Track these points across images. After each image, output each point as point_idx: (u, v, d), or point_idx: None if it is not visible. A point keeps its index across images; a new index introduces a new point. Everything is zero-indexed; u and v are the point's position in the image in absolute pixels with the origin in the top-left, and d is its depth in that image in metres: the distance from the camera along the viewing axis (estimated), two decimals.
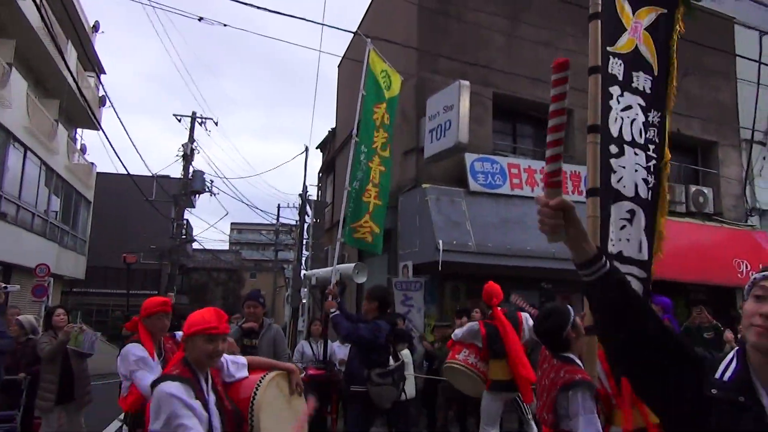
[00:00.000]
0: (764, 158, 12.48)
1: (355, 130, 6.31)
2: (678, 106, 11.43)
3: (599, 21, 2.95)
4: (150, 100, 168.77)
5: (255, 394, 2.66)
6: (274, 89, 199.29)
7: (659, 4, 3.26)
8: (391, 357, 4.86)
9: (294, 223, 28.67)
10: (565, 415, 3.05)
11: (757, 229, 12.25)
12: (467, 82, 8.95)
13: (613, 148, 3.04)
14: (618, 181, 3.04)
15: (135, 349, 3.55)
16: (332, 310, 4.91)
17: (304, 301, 18.34)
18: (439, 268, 8.57)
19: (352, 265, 7.03)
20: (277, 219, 32.89)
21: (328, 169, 18.41)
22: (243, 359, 2.88)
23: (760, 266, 1.45)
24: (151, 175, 21.41)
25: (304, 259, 20.22)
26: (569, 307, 3.26)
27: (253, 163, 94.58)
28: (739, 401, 1.26)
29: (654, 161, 3.21)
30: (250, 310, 4.90)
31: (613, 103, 3.08)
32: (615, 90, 3.10)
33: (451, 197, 9.44)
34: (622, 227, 3.04)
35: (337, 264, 6.11)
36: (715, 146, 12.57)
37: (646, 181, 3.11)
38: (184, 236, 25.53)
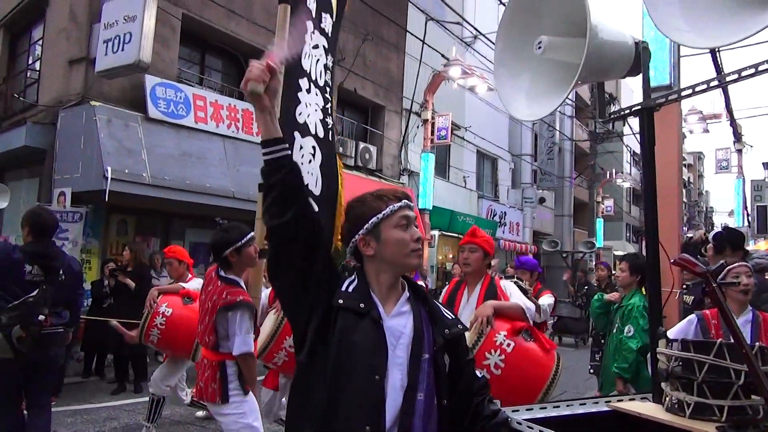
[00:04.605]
0: (417, 127, 14.55)
1: None
2: (357, 68, 12.48)
3: None
4: None
5: None
6: None
7: None
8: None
9: None
10: (224, 335, 3.07)
11: (407, 187, 14.34)
12: None
13: (305, 83, 3.06)
14: (308, 117, 3.08)
15: None
16: None
17: None
18: (106, 198, 7.65)
19: None
20: None
21: None
22: None
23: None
24: None
25: None
26: (251, 232, 3.17)
27: None
28: (360, 308, 1.47)
29: (329, 104, 3.30)
30: None
31: (307, 37, 3.07)
32: (309, 25, 3.09)
33: (125, 121, 8.43)
34: (309, 161, 3.09)
35: None
36: (382, 110, 14.14)
37: (323, 122, 3.20)
38: None
